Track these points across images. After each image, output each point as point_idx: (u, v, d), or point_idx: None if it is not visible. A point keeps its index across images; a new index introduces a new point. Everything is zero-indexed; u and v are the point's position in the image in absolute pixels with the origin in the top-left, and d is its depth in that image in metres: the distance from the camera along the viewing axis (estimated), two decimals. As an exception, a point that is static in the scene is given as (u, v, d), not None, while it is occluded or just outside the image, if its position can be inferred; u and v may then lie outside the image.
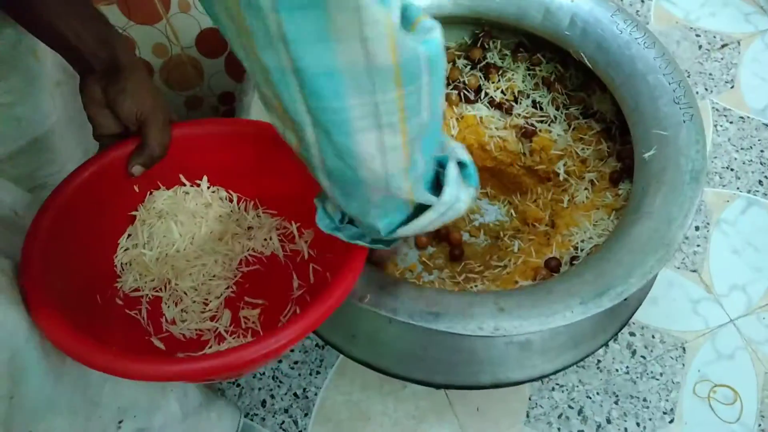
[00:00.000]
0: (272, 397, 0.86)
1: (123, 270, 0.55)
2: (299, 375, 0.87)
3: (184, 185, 0.57)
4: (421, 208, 0.45)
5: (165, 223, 0.56)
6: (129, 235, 0.56)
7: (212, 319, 0.55)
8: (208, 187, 0.58)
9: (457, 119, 0.88)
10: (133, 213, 0.56)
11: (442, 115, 0.41)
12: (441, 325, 0.58)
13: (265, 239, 0.58)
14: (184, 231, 0.56)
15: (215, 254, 0.57)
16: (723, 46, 1.11)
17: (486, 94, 0.87)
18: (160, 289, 0.55)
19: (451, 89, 0.88)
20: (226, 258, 0.57)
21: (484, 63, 0.89)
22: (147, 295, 0.54)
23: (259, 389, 0.86)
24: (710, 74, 1.08)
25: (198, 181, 0.58)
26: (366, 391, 0.84)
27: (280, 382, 0.86)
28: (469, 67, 0.89)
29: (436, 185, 0.45)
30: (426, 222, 0.45)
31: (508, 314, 0.58)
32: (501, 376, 0.70)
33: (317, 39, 0.31)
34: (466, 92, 0.87)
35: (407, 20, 0.35)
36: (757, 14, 1.14)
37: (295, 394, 0.85)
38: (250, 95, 0.72)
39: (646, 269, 0.59)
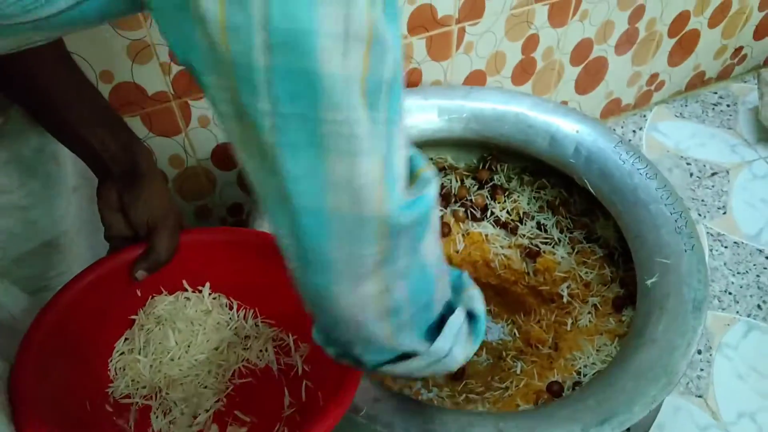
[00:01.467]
0: None
1: (116, 375, 0.54)
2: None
3: (186, 291, 0.58)
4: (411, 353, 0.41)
5: (163, 330, 0.55)
6: (126, 339, 0.55)
7: None
8: (210, 294, 0.58)
9: (463, 235, 0.90)
10: (133, 317, 0.56)
11: (438, 260, 0.39)
12: None
13: (261, 350, 0.57)
14: (181, 339, 0.56)
15: (209, 364, 0.56)
16: (713, 174, 1.16)
17: (492, 213, 0.90)
18: (151, 397, 0.54)
19: (459, 206, 0.91)
20: (219, 369, 0.56)
21: (491, 184, 0.92)
22: (137, 402, 0.53)
23: None
24: (702, 200, 1.12)
25: (200, 288, 0.58)
26: None
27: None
28: (476, 186, 0.93)
29: (439, 328, 0.41)
30: (412, 368, 0.42)
31: None
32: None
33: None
34: (472, 210, 0.90)
35: (410, 170, 0.35)
36: (742, 146, 1.20)
37: None
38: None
39: (649, 398, 0.59)
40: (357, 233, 0.32)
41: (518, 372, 0.82)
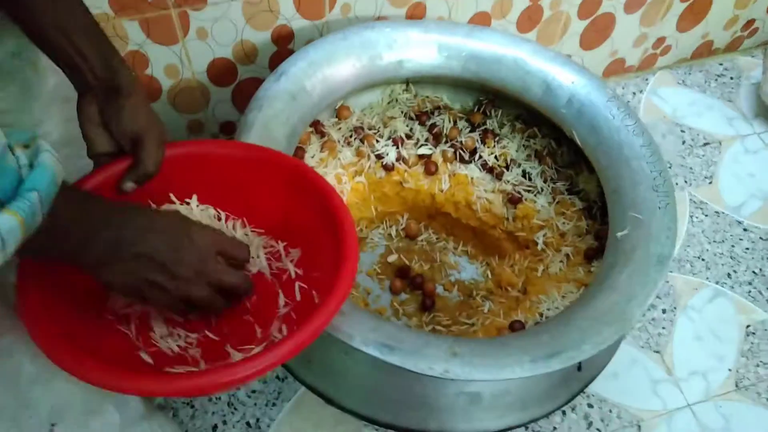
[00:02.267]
0: (224, 423, 0.85)
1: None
2: (255, 404, 0.86)
3: (174, 203, 0.59)
4: None
5: None
6: None
7: (200, 335, 0.56)
8: (198, 205, 0.59)
9: (449, 175, 0.91)
10: None
11: None
12: (394, 358, 0.59)
13: (253, 257, 0.59)
14: None
15: None
16: (705, 144, 1.17)
17: (480, 156, 0.91)
18: (148, 306, 0.55)
19: (448, 147, 0.91)
20: None
21: (482, 128, 0.93)
22: (136, 310, 0.55)
23: (213, 413, 0.86)
24: (691, 168, 1.14)
25: (187, 200, 0.59)
26: (319, 430, 0.84)
27: (235, 408, 0.86)
28: (468, 129, 0.93)
29: None
30: None
31: (460, 359, 0.59)
32: (448, 425, 0.71)
33: None
34: (461, 152, 0.91)
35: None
36: (739, 119, 1.21)
37: (247, 423, 0.85)
38: (254, 113, 0.74)
39: (599, 339, 0.62)
40: None
41: (485, 311, 0.84)
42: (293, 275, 0.57)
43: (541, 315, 0.76)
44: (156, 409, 0.74)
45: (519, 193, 0.89)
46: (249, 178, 0.59)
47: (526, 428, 0.84)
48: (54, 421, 0.58)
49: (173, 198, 0.59)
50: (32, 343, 0.45)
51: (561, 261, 0.84)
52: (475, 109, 0.95)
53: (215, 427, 0.85)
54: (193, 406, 0.86)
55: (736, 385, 0.91)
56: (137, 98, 0.53)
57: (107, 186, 0.53)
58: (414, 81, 0.94)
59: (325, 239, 0.55)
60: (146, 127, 0.53)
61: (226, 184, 0.59)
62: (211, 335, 0.55)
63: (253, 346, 0.53)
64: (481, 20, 0.98)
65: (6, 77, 0.54)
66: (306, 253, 0.58)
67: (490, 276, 0.93)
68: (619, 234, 0.71)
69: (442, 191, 0.91)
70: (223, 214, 0.60)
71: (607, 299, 0.65)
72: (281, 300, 0.56)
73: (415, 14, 0.94)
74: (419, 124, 0.93)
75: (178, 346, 0.54)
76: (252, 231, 0.60)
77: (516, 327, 0.75)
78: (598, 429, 0.86)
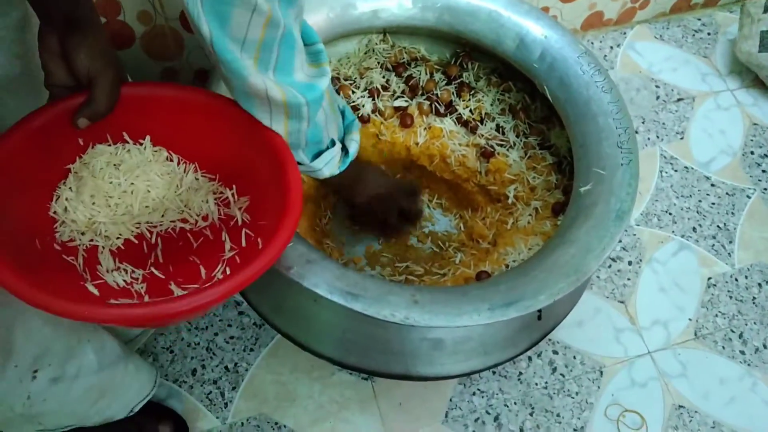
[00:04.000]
0: (203, 367, 0.88)
1: (59, 218, 0.56)
2: (233, 350, 0.89)
3: (127, 143, 0.59)
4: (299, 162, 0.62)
5: (103, 178, 0.57)
6: (66, 185, 0.57)
7: (146, 272, 0.57)
8: (151, 146, 0.60)
9: (425, 128, 0.92)
10: (71, 166, 0.57)
11: (326, 126, 0.61)
12: (357, 305, 0.62)
13: (202, 201, 0.60)
14: (121, 188, 0.57)
15: (151, 213, 0.58)
16: (679, 99, 1.18)
17: (455, 110, 0.92)
18: (96, 240, 0.56)
19: (425, 99, 0.92)
20: (161, 217, 0.59)
21: (459, 81, 0.93)
22: (83, 244, 0.56)
23: (192, 358, 0.88)
24: (663, 123, 1.15)
25: (141, 141, 0.59)
26: (295, 374, 0.87)
27: (213, 354, 0.89)
28: (444, 82, 0.94)
29: (321, 153, 0.64)
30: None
31: (420, 307, 0.62)
32: (411, 369, 0.74)
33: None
34: (437, 105, 0.91)
35: (316, 59, 0.57)
36: (713, 75, 1.22)
37: (226, 368, 0.88)
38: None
39: (555, 290, 0.64)
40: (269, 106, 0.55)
41: (457, 262, 0.87)
42: (240, 222, 0.59)
43: (507, 266, 0.78)
44: (132, 352, 0.76)
45: (492, 147, 0.91)
46: (204, 124, 0.59)
47: (493, 372, 0.88)
48: (36, 367, 0.60)
49: (126, 137, 0.59)
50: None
51: (530, 215, 0.86)
52: (452, 62, 0.96)
53: (194, 371, 0.88)
54: (172, 351, 0.88)
55: (695, 334, 0.95)
56: (97, 36, 0.52)
57: (61, 120, 0.53)
58: (391, 32, 0.93)
59: (273, 189, 0.57)
60: (103, 65, 0.52)
61: (181, 129, 0.60)
62: (156, 273, 0.57)
63: (196, 285, 0.54)
64: (459, -29, 0.97)
65: None
66: (254, 201, 0.59)
67: (462, 228, 0.95)
68: (582, 189, 0.72)
69: (417, 144, 0.92)
70: (175, 157, 0.61)
71: (565, 252, 0.67)
72: (227, 245, 0.58)
73: (392, -37, 0.93)
74: (396, 75, 0.93)
75: (124, 281, 0.55)
76: (203, 176, 0.61)
77: (482, 277, 0.77)
78: (562, 374, 0.90)
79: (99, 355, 0.66)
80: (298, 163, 0.62)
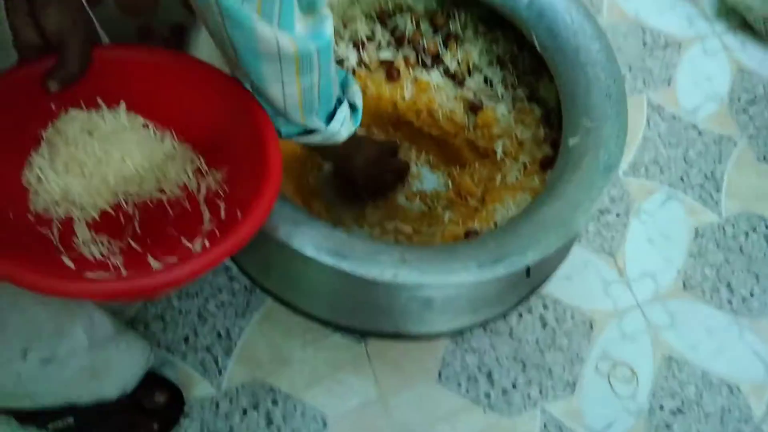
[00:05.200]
0: (195, 334, 0.87)
1: (32, 188, 0.54)
2: (224, 315, 0.88)
3: (101, 108, 0.56)
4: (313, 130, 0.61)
5: (77, 145, 0.55)
6: (38, 153, 0.54)
7: (123, 245, 0.55)
8: (125, 112, 0.57)
9: (411, 81, 0.90)
10: (43, 132, 0.55)
11: (334, 78, 0.59)
12: (345, 265, 0.61)
13: (178, 171, 0.58)
14: (96, 155, 0.55)
15: (126, 182, 0.56)
16: (665, 46, 1.16)
17: (442, 62, 0.89)
18: (71, 210, 0.54)
19: (411, 51, 0.89)
20: (137, 187, 0.57)
21: (445, 31, 0.91)
22: (58, 216, 0.54)
23: (183, 325, 0.87)
24: (650, 70, 1.14)
25: (115, 106, 0.57)
26: (288, 338, 0.87)
27: (205, 320, 0.88)
28: (431, 31, 0.91)
29: (333, 115, 0.61)
30: (313, 140, 0.62)
31: (408, 265, 0.61)
32: (402, 327, 0.74)
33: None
34: (423, 57, 0.89)
35: (313, 7, 0.50)
36: (700, 18, 1.20)
37: (218, 334, 0.87)
38: (202, 33, 0.71)
39: (543, 245, 0.64)
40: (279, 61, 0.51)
41: (446, 220, 0.86)
42: (219, 193, 0.57)
43: (495, 224, 0.77)
44: (124, 329, 0.75)
45: (480, 100, 0.89)
46: (181, 90, 0.57)
47: (484, 329, 0.89)
48: (26, 346, 0.59)
49: (101, 102, 0.56)
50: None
51: (518, 170, 0.85)
52: (439, 11, 0.93)
53: (186, 338, 0.87)
54: (163, 319, 0.87)
55: (684, 285, 0.96)
56: None
57: (30, 83, 0.51)
58: (377, -25, 0.90)
59: (252, 160, 0.55)
60: (73, 24, 0.50)
61: (158, 95, 0.57)
62: (134, 245, 0.55)
63: (175, 258, 0.53)
64: None
65: None
66: (233, 172, 0.57)
67: (451, 186, 0.94)
68: (570, 142, 0.71)
69: (404, 99, 0.90)
70: (151, 124, 0.58)
71: (552, 207, 0.66)
72: (206, 216, 0.56)
73: None
74: (381, 25, 0.90)
75: (101, 253, 0.53)
76: (180, 145, 0.59)
77: (470, 235, 0.76)
78: (552, 328, 0.91)
79: (89, 334, 0.65)
80: (314, 131, 0.60)
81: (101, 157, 0.55)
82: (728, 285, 0.96)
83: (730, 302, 0.95)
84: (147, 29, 0.94)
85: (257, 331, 0.88)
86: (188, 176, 0.58)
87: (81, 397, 0.70)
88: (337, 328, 0.76)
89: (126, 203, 0.56)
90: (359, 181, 0.85)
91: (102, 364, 0.69)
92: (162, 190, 0.57)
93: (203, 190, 0.58)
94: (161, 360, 0.85)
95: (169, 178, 0.57)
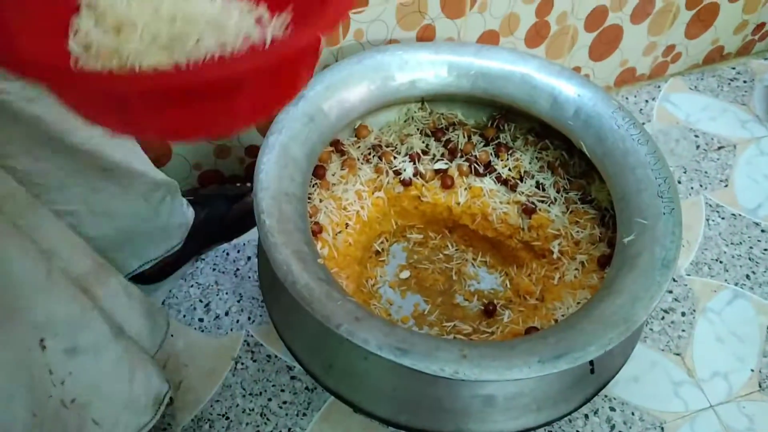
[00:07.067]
0: (260, 434, 0.89)
1: (81, 58, 0.47)
2: (286, 414, 0.90)
3: None
4: None
5: (121, 4, 0.48)
6: (83, 19, 0.48)
7: None
8: None
9: (465, 188, 0.95)
10: None
11: None
12: (406, 360, 0.62)
13: (238, 19, 0.50)
14: (146, 12, 0.48)
15: (183, 39, 0.47)
16: (719, 147, 1.18)
17: (494, 169, 0.94)
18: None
19: (464, 161, 0.95)
20: (195, 43, 0.48)
21: (496, 142, 0.96)
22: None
23: (247, 424, 0.89)
24: (706, 172, 1.15)
25: None
26: (351, 439, 0.88)
27: (268, 419, 0.90)
28: (482, 143, 0.97)
29: None
30: None
31: (469, 361, 0.62)
32: (463, 426, 0.74)
33: None
34: (476, 165, 0.94)
35: None
36: (753, 122, 1.22)
37: (281, 435, 0.89)
38: (274, 136, 0.79)
39: (605, 341, 0.64)
40: None
41: (505, 320, 0.87)
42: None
43: (555, 321, 0.78)
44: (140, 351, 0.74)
45: (533, 203, 0.92)
46: None
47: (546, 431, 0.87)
48: (42, 335, 0.58)
49: None
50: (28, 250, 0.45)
51: (576, 268, 0.87)
52: (489, 124, 0.99)
53: (249, 438, 0.89)
54: (228, 418, 0.90)
55: (759, 386, 0.92)
56: None
57: None
58: (428, 99, 0.98)
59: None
60: None
61: None
62: None
63: None
64: (490, 38, 1.02)
65: None
66: (298, 11, 0.50)
67: (509, 285, 0.96)
68: (625, 239, 0.73)
69: (458, 204, 0.95)
70: None
71: (612, 303, 0.67)
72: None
73: (425, 36, 0.98)
74: (435, 140, 0.97)
75: None
76: None
77: (531, 332, 0.77)
78: (621, 431, 0.88)
79: (110, 323, 0.65)
80: None
81: (151, 14, 0.48)
82: (808, 387, 0.92)
83: (812, 405, 0.90)
84: (224, 149, 1.03)
85: (318, 430, 0.89)
86: (250, 24, 0.50)
87: (137, 400, 0.69)
88: (398, 427, 0.77)
89: (184, 64, 0.47)
90: None
91: (138, 356, 0.68)
92: (222, 46, 0.48)
93: (269, 41, 0.50)
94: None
95: (229, 32, 0.49)
